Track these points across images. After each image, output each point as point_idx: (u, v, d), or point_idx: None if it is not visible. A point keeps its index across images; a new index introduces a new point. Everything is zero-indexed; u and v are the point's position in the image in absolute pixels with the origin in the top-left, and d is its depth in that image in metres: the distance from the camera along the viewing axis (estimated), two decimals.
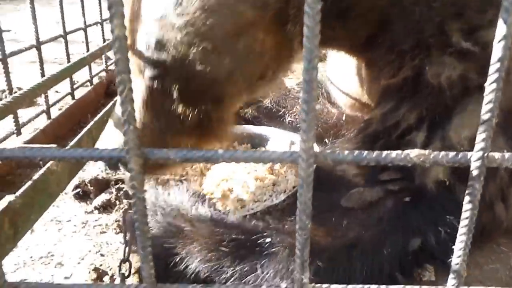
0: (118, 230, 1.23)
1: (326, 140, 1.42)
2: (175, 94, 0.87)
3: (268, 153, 0.43)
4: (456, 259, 0.49)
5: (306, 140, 0.42)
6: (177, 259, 0.90)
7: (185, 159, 0.43)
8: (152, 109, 0.91)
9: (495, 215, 1.03)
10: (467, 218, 0.47)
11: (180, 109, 0.88)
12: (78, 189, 1.39)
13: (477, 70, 0.95)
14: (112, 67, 2.18)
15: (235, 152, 0.43)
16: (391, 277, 0.90)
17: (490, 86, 0.42)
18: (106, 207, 1.34)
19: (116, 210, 1.32)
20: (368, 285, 0.51)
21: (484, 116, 0.43)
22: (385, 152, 0.45)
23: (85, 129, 1.27)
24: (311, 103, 0.40)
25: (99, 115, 1.40)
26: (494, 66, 0.42)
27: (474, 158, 0.45)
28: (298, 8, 0.86)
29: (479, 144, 0.44)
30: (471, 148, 0.45)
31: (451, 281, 0.50)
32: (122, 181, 1.43)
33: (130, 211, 1.03)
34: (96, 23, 2.09)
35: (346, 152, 0.44)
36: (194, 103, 0.87)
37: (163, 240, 0.93)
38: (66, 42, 1.69)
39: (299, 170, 0.43)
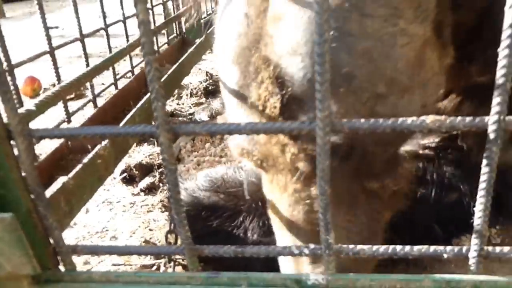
0: (163, 209, 1.30)
1: None
2: (364, 169, 0.74)
3: (287, 124, 0.46)
4: (477, 220, 0.50)
5: (322, 109, 0.44)
6: None
7: (211, 132, 0.46)
8: (339, 199, 0.76)
9: None
10: (485, 181, 0.49)
11: (374, 184, 0.76)
12: (125, 174, 1.47)
13: None
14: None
15: (256, 124, 0.46)
16: (427, 228, 0.89)
17: (503, 52, 0.44)
18: (151, 189, 1.42)
19: (160, 192, 1.39)
20: (392, 246, 0.53)
21: (499, 80, 0.44)
22: (401, 119, 0.47)
23: (128, 116, 1.34)
24: (325, 75, 0.43)
25: (141, 102, 1.46)
26: (506, 32, 0.43)
27: (491, 122, 0.46)
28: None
29: (494, 108, 0.46)
30: None
31: (474, 240, 0.51)
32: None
33: None
34: (134, 15, 2.17)
35: (362, 120, 0.47)
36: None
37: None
38: (108, 35, 1.76)
39: (317, 139, 0.46)
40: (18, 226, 0.51)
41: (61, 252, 0.57)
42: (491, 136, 0.47)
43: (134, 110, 1.34)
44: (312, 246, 0.55)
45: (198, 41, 2.56)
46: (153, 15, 2.02)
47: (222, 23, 0.77)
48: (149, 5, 2.22)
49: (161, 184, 1.41)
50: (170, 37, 2.47)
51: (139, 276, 0.58)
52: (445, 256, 0.53)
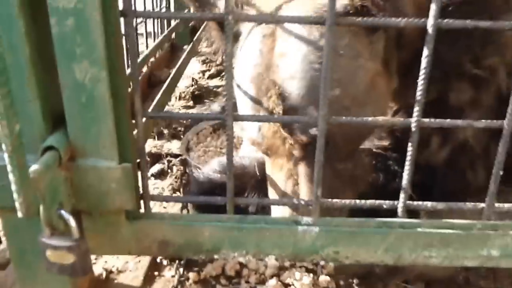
0: (173, 192, 1.60)
1: None
2: (335, 153, 1.05)
3: (296, 118, 0.80)
4: (404, 183, 0.85)
5: (322, 110, 0.78)
6: None
7: (260, 120, 0.80)
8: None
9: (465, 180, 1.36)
10: (410, 156, 0.84)
11: (341, 166, 1.09)
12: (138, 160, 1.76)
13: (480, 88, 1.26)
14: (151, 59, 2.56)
15: (276, 117, 0.80)
16: None
17: (420, 82, 0.79)
18: (160, 175, 1.71)
19: (170, 176, 1.69)
20: (379, 201, 0.87)
21: (418, 97, 0.80)
22: (365, 118, 0.82)
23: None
24: (325, 92, 0.77)
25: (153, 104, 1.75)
26: (421, 73, 0.79)
27: (413, 121, 0.81)
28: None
29: (415, 113, 0.81)
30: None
31: (401, 195, 0.86)
32: (171, 155, 1.81)
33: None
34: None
35: (343, 117, 0.81)
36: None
37: None
38: None
39: (319, 127, 0.80)
40: (131, 173, 0.83)
41: (145, 197, 0.89)
42: (413, 129, 0.81)
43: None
44: (306, 199, 0.90)
45: (186, 47, 2.84)
46: None
47: (242, 56, 1.11)
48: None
49: (169, 170, 1.72)
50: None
51: (195, 217, 0.90)
52: (385, 206, 0.87)
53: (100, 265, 1.13)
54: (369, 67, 1.06)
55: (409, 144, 0.83)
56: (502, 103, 0.86)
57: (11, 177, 0.68)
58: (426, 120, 0.82)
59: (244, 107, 1.10)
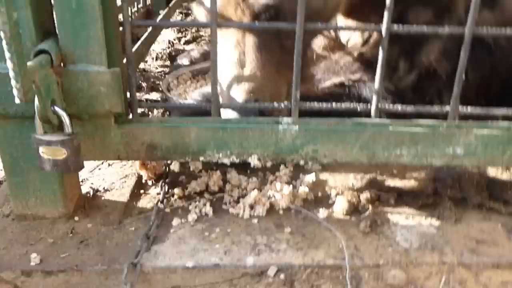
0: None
1: None
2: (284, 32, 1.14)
3: None
4: (377, 86, 0.92)
5: None
6: None
7: None
8: (267, 50, 1.15)
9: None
10: (380, 68, 0.90)
11: (289, 40, 1.11)
12: None
13: (442, 16, 1.34)
14: None
15: None
16: None
17: None
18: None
19: None
20: (354, 104, 0.94)
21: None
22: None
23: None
24: None
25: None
26: None
27: (384, 28, 0.88)
28: None
29: (385, 20, 0.87)
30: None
31: (374, 98, 0.93)
32: (151, 101, 1.85)
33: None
34: None
35: None
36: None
37: None
38: None
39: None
40: (120, 78, 0.87)
41: (133, 103, 0.94)
42: (384, 35, 0.88)
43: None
44: (286, 103, 0.95)
45: (161, 12, 2.87)
46: None
47: None
48: None
49: (150, 113, 1.75)
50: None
51: (182, 119, 0.95)
52: (359, 109, 0.94)
53: (87, 185, 1.17)
54: None
55: (380, 48, 0.89)
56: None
57: (9, 63, 0.71)
58: (395, 26, 0.89)
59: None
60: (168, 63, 2.66)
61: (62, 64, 0.87)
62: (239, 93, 1.12)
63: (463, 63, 0.91)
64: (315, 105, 0.94)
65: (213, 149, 0.94)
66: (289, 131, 0.92)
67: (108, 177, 1.21)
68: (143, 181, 1.21)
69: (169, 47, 2.87)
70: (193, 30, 3.30)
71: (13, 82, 0.73)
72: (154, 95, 1.99)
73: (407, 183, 1.18)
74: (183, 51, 2.87)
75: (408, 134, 0.94)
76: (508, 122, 0.96)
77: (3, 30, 0.69)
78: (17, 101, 0.74)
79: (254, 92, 1.14)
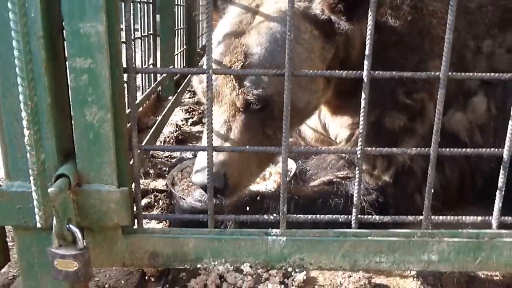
0: (158, 222, 1.75)
1: (299, 161, 1.92)
2: (269, 121, 1.32)
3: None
4: (355, 200, 1.03)
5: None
6: None
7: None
8: (251, 132, 1.32)
9: (415, 203, 1.55)
10: (357, 181, 1.02)
11: (271, 130, 1.33)
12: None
13: (415, 120, 1.49)
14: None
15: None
16: None
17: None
18: (147, 208, 1.86)
19: (156, 209, 1.84)
20: (336, 215, 1.05)
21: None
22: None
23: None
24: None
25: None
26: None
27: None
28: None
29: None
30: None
31: (354, 211, 1.04)
32: (157, 190, 1.97)
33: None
34: None
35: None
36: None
37: None
38: None
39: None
40: (128, 195, 0.99)
41: (139, 215, 1.05)
42: (358, 156, 1.00)
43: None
44: (275, 215, 1.06)
45: (170, 97, 3.08)
46: None
47: (223, 23, 1.39)
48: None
49: (156, 203, 1.87)
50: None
51: (182, 230, 1.06)
52: (340, 220, 1.05)
53: (93, 283, 1.27)
54: (316, 63, 1.34)
55: (356, 168, 1.01)
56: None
57: (34, 195, 0.84)
58: (369, 148, 1.01)
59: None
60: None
61: (78, 184, 1.00)
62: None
63: (431, 180, 1.03)
64: (301, 217, 1.05)
65: (209, 257, 1.04)
66: (277, 241, 1.03)
67: (114, 274, 1.31)
68: (146, 277, 1.30)
69: (176, 130, 3.03)
70: (200, 111, 3.50)
71: (36, 210, 0.85)
72: (160, 182, 2.13)
73: (392, 281, 1.26)
74: (189, 133, 3.04)
75: (386, 242, 1.04)
76: (477, 230, 1.06)
77: (32, 168, 0.82)
78: (38, 225, 0.86)
79: (226, 166, 1.28)
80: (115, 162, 0.99)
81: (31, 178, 0.83)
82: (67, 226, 0.95)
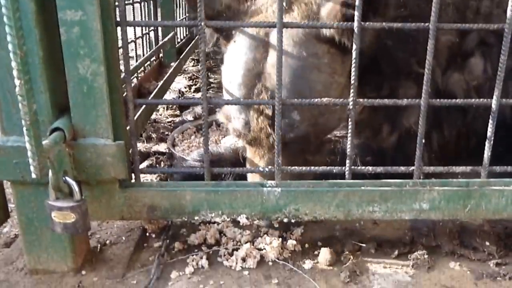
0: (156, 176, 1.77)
1: None
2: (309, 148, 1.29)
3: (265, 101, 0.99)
4: (348, 151, 1.04)
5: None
6: None
7: (231, 102, 0.98)
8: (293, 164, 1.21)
9: None
10: (349, 132, 1.03)
11: (311, 156, 1.30)
12: None
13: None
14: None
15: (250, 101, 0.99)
16: None
17: None
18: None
19: None
20: (330, 167, 1.06)
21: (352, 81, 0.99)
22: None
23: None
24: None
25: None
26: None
27: (350, 103, 1.01)
28: None
29: (351, 95, 1.00)
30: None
31: (347, 162, 1.05)
32: (159, 153, 1.99)
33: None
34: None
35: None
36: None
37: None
38: None
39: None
40: (124, 149, 1.01)
41: (135, 169, 1.07)
42: (350, 107, 1.01)
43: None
44: (270, 167, 1.08)
45: (173, 64, 3.06)
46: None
47: (233, 59, 1.28)
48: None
49: (157, 165, 1.89)
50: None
51: (179, 183, 1.07)
52: (334, 171, 1.06)
53: (94, 239, 1.29)
54: (341, 81, 1.25)
55: (349, 120, 1.02)
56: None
57: (28, 146, 0.85)
58: (361, 100, 1.02)
59: (232, 106, 1.28)
60: (178, 112, 2.82)
61: (73, 138, 1.01)
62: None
63: (422, 129, 1.04)
64: (296, 169, 1.06)
65: (206, 209, 1.06)
66: (272, 192, 1.05)
67: (115, 231, 1.33)
68: (147, 234, 1.33)
69: (179, 97, 3.03)
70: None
71: (30, 161, 0.86)
72: (162, 146, 2.15)
73: (387, 233, 1.29)
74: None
75: (378, 192, 1.05)
76: (467, 180, 1.07)
77: (24, 118, 0.83)
78: (33, 176, 0.87)
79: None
80: (110, 116, 1.00)
81: (24, 128, 0.83)
82: (63, 178, 0.96)
